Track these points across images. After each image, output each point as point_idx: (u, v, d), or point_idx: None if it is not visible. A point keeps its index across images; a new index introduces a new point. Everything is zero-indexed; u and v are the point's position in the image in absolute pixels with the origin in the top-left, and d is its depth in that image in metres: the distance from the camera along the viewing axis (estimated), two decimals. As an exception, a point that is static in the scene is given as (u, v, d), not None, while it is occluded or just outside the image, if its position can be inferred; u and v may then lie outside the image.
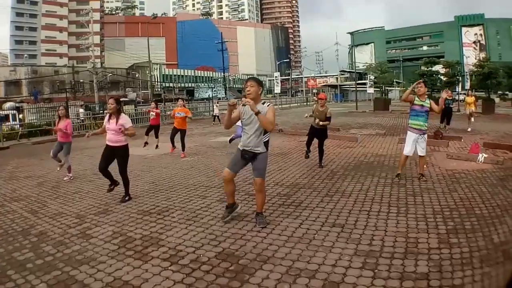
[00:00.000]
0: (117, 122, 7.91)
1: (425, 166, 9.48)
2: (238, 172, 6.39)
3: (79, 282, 4.43)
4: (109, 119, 8.10)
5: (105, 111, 30.06)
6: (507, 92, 62.21)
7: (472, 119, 20.31)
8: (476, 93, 23.05)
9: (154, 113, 16.42)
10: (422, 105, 8.94)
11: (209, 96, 66.31)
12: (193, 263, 4.83)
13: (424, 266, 4.53)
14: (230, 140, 14.32)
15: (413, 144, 9.01)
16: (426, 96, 9.15)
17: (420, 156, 9.11)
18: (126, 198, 7.96)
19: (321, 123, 10.68)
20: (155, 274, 4.55)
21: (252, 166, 6.13)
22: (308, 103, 63.14)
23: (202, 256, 5.02)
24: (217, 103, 31.71)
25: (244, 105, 5.93)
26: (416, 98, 9.07)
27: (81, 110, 32.40)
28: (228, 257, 4.97)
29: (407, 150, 9.10)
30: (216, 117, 28.91)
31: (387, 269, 4.49)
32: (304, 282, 4.26)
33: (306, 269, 4.55)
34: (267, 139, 6.17)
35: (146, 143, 15.95)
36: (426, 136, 9.14)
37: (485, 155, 10.94)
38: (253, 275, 4.47)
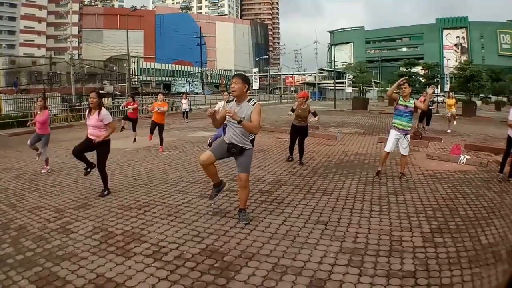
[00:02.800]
0: (98, 116, 7.80)
1: (405, 165, 9.54)
2: (219, 158, 6.13)
3: (61, 279, 4.31)
4: (89, 114, 7.97)
5: (82, 103, 29.61)
6: (490, 95, 63.26)
7: (455, 122, 20.45)
8: (456, 95, 23.34)
9: (132, 108, 16.21)
10: (406, 106, 8.98)
11: (186, 90, 65.96)
12: (177, 259, 4.76)
13: (410, 264, 4.55)
14: (210, 144, 13.15)
15: (395, 141, 9.06)
16: (410, 96, 9.19)
17: (402, 155, 9.16)
18: (105, 193, 7.81)
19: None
20: (139, 271, 4.46)
21: (237, 162, 6.06)
22: (282, 101, 63.12)
23: (186, 253, 4.94)
24: (185, 97, 28.62)
25: (229, 101, 5.90)
26: (400, 98, 9.10)
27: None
28: (213, 253, 4.92)
29: (388, 147, 9.14)
30: (185, 113, 26.88)
31: (373, 267, 4.49)
32: (290, 279, 4.23)
33: (292, 266, 4.52)
34: (253, 136, 6.12)
35: (122, 128, 15.75)
36: (409, 136, 9.18)
37: (467, 157, 11.05)
38: (239, 272, 4.42)
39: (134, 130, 16.00)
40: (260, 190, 8.07)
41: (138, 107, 17.18)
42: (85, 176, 8.23)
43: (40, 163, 10.74)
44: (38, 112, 10.71)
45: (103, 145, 7.82)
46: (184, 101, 27.36)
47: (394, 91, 9.21)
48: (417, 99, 13.78)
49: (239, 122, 5.65)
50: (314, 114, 10.89)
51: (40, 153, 10.54)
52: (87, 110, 8.20)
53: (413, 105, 8.99)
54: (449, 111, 20.48)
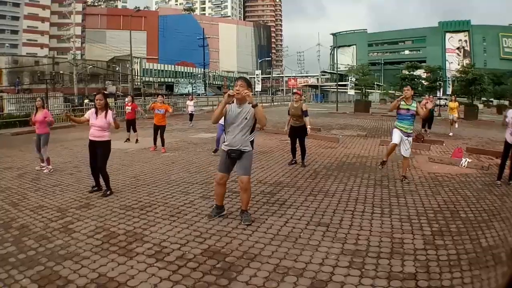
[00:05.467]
0: (105, 117, 7.86)
1: (407, 168, 9.54)
2: (230, 172, 6.36)
3: (63, 278, 4.32)
4: (95, 114, 8.00)
5: (84, 103, 29.66)
6: (491, 99, 63.21)
7: (456, 125, 20.36)
8: (458, 98, 23.29)
9: (130, 108, 16.29)
10: (408, 109, 9.01)
11: (188, 91, 66.09)
12: (179, 260, 4.77)
13: (411, 266, 4.56)
14: (215, 150, 12.82)
15: (400, 136, 9.08)
16: (412, 99, 9.19)
17: (403, 157, 9.17)
18: (108, 193, 7.85)
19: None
20: (141, 271, 4.48)
21: (238, 165, 6.11)
22: (273, 103, 62.59)
23: (188, 253, 4.96)
24: (191, 99, 26.42)
25: (229, 103, 6.00)
26: (402, 102, 9.13)
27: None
28: (214, 254, 4.93)
29: (395, 139, 9.14)
30: (191, 115, 24.80)
31: (374, 269, 4.51)
32: (292, 280, 4.25)
33: (294, 268, 4.54)
34: (252, 138, 6.15)
35: (128, 139, 15.85)
36: (411, 139, 9.19)
37: (468, 160, 11.05)
38: (241, 272, 4.44)
39: (135, 130, 16.06)
40: (262, 191, 8.09)
41: (136, 107, 17.12)
42: (89, 193, 8.19)
43: (42, 163, 10.75)
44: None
45: (104, 145, 7.89)
46: (190, 102, 25.46)
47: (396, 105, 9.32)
48: (419, 102, 13.78)
49: (254, 106, 5.87)
50: (305, 114, 10.87)
51: (43, 166, 10.52)
52: (92, 110, 8.22)
53: (415, 108, 9.00)
54: (452, 115, 20.40)
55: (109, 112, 8.01)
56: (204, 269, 4.53)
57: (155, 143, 14.00)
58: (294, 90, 12.36)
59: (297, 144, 11.21)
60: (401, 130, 9.07)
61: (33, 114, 11.00)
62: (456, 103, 21.24)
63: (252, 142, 6.14)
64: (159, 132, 13.71)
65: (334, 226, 5.96)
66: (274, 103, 62.44)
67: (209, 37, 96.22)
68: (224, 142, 6.24)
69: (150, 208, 6.92)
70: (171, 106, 21.27)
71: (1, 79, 64.33)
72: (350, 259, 4.77)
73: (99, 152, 7.91)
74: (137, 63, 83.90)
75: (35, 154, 10.88)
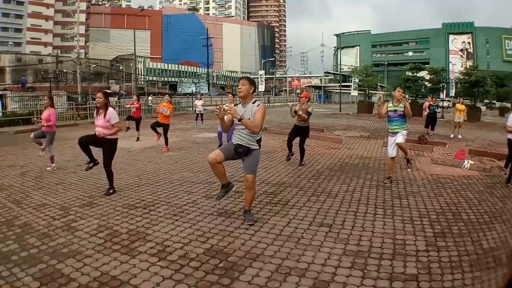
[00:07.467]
0: (104, 117, 7.82)
1: (409, 164, 9.54)
2: (227, 159, 6.13)
3: (65, 276, 4.33)
4: (97, 114, 8.02)
5: (88, 102, 29.68)
6: (494, 101, 63.16)
7: (459, 136, 20.00)
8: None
9: (135, 108, 16.43)
10: (395, 110, 9.06)
11: (192, 91, 65.97)
12: (182, 259, 4.78)
13: (413, 267, 4.57)
14: (219, 145, 12.72)
15: (393, 145, 9.13)
16: (400, 100, 9.13)
17: (398, 144, 9.05)
18: (111, 191, 7.85)
19: (300, 112, 10.82)
20: (143, 270, 4.49)
21: (244, 163, 6.09)
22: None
23: (190, 252, 4.97)
24: (200, 98, 26.04)
25: (236, 104, 5.99)
26: (390, 104, 9.19)
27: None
28: (217, 254, 4.94)
29: (390, 153, 9.21)
30: (200, 115, 24.44)
31: (376, 270, 4.51)
32: (294, 280, 4.26)
33: (296, 268, 4.54)
34: (259, 137, 6.14)
35: (128, 128, 15.97)
36: (404, 131, 9.12)
37: (471, 162, 11.05)
38: (243, 272, 4.44)
39: (138, 129, 16.16)
40: (265, 191, 8.09)
41: (141, 107, 17.26)
42: (86, 171, 8.26)
43: (45, 160, 10.81)
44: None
45: (109, 143, 7.86)
46: (198, 102, 25.30)
47: (382, 105, 9.41)
48: (422, 103, 13.79)
49: (239, 120, 5.75)
50: (308, 114, 10.92)
51: (44, 147, 10.59)
52: (95, 111, 8.26)
53: (402, 109, 8.97)
54: (460, 117, 20.22)
55: (109, 110, 7.95)
56: (207, 268, 4.54)
57: (157, 132, 14.24)
58: (303, 93, 12.09)
59: (294, 142, 11.35)
60: (391, 133, 9.17)
61: (42, 112, 11.11)
62: (464, 105, 21.19)
63: (259, 141, 6.12)
64: (162, 130, 13.75)
65: (336, 227, 5.97)
66: (274, 104, 62.13)
67: (213, 37, 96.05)
68: (233, 138, 6.21)
69: (153, 207, 6.93)
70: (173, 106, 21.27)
71: (5, 77, 64.43)
72: (352, 259, 4.78)
73: (104, 149, 7.90)
74: (140, 62, 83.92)
75: (37, 150, 10.94)
